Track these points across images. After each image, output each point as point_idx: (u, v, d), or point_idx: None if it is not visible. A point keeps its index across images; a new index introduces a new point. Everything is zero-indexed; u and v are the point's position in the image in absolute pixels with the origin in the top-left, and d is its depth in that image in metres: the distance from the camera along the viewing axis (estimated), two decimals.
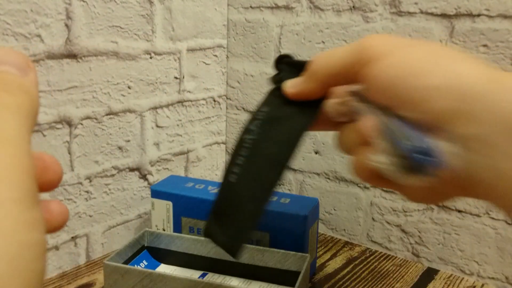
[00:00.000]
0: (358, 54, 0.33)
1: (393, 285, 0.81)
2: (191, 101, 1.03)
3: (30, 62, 0.26)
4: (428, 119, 0.30)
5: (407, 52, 0.32)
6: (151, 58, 0.93)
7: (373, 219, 0.95)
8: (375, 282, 0.82)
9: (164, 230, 0.87)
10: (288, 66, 0.41)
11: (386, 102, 0.32)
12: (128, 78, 0.89)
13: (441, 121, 0.29)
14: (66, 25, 0.78)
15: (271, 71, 1.06)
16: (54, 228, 0.25)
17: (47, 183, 0.25)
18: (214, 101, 1.09)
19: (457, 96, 0.28)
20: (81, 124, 0.83)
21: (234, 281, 0.75)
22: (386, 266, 0.87)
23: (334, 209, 1.00)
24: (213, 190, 0.85)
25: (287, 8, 0.99)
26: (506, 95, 0.27)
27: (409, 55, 0.31)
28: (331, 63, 0.35)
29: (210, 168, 1.12)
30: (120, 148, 0.90)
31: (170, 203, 0.85)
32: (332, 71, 0.35)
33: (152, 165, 0.97)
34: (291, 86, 0.39)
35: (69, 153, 0.82)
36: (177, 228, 0.85)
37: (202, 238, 0.78)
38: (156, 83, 0.95)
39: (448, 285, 0.82)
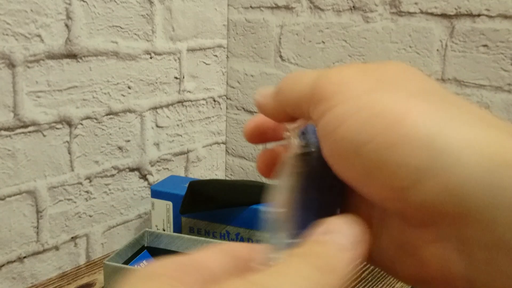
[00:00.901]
0: (313, 87, 0.24)
1: (393, 285, 0.81)
2: (191, 101, 1.03)
3: (365, 234, 0.23)
4: (409, 213, 0.21)
5: (377, 97, 0.22)
6: (151, 58, 0.93)
7: None
8: (375, 282, 0.82)
9: (164, 230, 0.87)
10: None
11: (333, 162, 0.23)
12: (128, 78, 0.89)
13: (428, 219, 0.21)
14: (66, 25, 0.78)
15: (271, 71, 1.06)
16: None
17: None
18: (214, 101, 1.09)
19: (457, 191, 0.19)
20: (81, 124, 0.83)
21: None
22: None
23: None
24: None
25: (287, 8, 0.99)
26: None
27: (379, 101, 0.21)
28: (294, 88, 0.26)
29: (210, 168, 1.12)
30: (120, 148, 0.90)
31: (170, 203, 0.85)
32: (290, 98, 0.26)
33: (152, 165, 0.97)
34: (261, 95, 0.31)
35: (69, 153, 0.82)
36: (177, 228, 0.85)
37: (202, 238, 0.78)
38: (156, 83, 0.95)
39: None
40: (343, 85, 0.23)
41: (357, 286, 0.81)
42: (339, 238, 0.22)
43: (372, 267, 0.87)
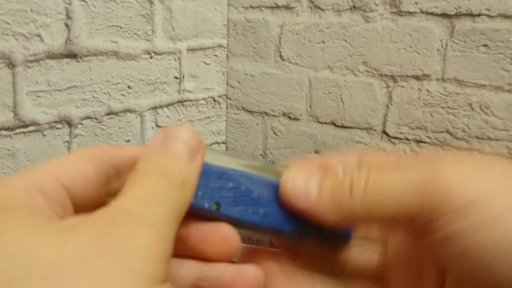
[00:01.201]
0: (425, 194, 0.22)
1: None
2: (191, 101, 1.03)
3: (202, 143, 0.24)
4: None
5: None
6: (151, 58, 0.93)
7: None
8: None
9: None
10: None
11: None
12: (128, 78, 0.89)
13: None
14: (66, 25, 0.78)
15: (271, 71, 1.06)
16: None
17: (223, 254, 0.24)
18: (214, 101, 1.09)
19: None
20: (81, 124, 0.83)
21: None
22: None
23: None
24: None
25: (287, 8, 0.99)
26: None
27: None
28: (388, 202, 0.23)
29: None
30: None
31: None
32: (383, 209, 0.23)
33: None
34: (304, 197, 0.25)
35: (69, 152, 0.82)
36: None
37: None
38: (156, 83, 0.95)
39: None
40: (474, 185, 0.21)
41: None
42: (179, 148, 0.23)
43: None
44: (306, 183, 0.25)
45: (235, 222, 0.25)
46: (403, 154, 0.26)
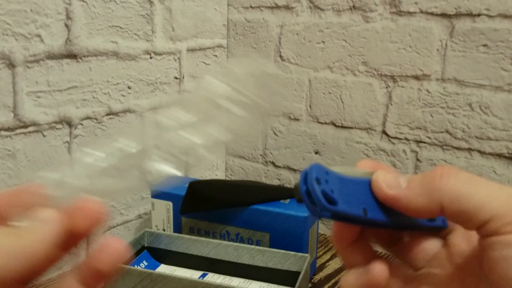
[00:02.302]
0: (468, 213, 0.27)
1: None
2: None
3: (56, 216, 0.27)
4: None
5: None
6: (151, 58, 0.93)
7: None
8: None
9: (164, 230, 0.87)
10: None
11: None
12: (128, 78, 0.89)
13: None
14: (66, 25, 0.78)
15: (271, 71, 1.06)
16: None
17: (88, 226, 0.29)
18: None
19: None
20: (81, 124, 0.83)
21: (234, 281, 0.75)
22: None
23: None
24: None
25: (287, 8, 0.99)
26: None
27: None
28: (475, 195, 0.27)
29: (210, 168, 1.12)
30: None
31: (170, 203, 0.85)
32: (468, 207, 0.27)
33: None
34: (397, 187, 0.29)
35: (69, 153, 0.82)
36: (177, 228, 0.85)
37: (202, 238, 0.78)
38: (156, 83, 0.95)
39: None
40: None
41: None
42: (32, 219, 0.27)
43: None
44: (396, 177, 0.29)
45: (373, 223, 0.29)
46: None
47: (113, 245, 0.29)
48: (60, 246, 0.27)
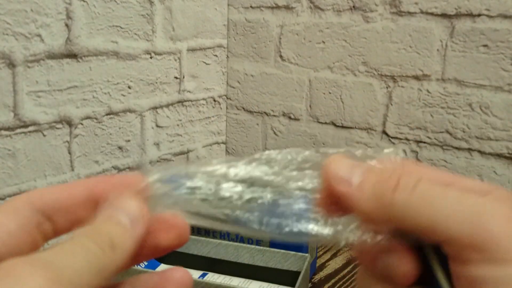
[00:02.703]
0: (471, 230, 0.22)
1: None
2: (191, 101, 1.03)
3: (145, 215, 0.25)
4: None
5: None
6: (151, 58, 0.93)
7: None
8: None
9: None
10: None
11: None
12: (128, 78, 0.89)
13: None
14: (66, 25, 0.78)
15: (271, 71, 1.06)
16: None
17: (173, 244, 0.26)
18: (214, 101, 1.09)
19: None
20: (81, 124, 0.83)
21: (234, 281, 0.75)
22: None
23: None
24: None
25: (287, 8, 0.99)
26: None
27: None
28: (433, 213, 0.24)
29: None
30: (120, 148, 0.90)
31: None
32: (422, 222, 0.24)
33: (152, 165, 0.97)
34: (346, 183, 0.26)
35: (69, 153, 0.82)
36: None
37: (202, 238, 0.78)
38: (156, 83, 0.95)
39: None
40: None
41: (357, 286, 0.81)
42: (121, 215, 0.24)
43: None
44: (349, 170, 0.25)
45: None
46: (454, 175, 0.26)
47: (178, 276, 0.26)
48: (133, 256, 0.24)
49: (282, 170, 0.28)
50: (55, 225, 0.24)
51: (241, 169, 0.27)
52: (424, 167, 0.26)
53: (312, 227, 0.26)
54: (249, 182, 0.27)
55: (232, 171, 0.27)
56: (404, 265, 0.25)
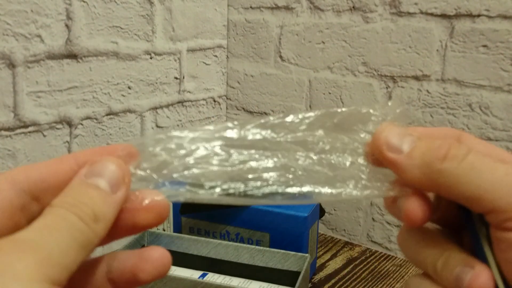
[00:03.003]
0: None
1: (393, 285, 0.81)
2: (191, 101, 1.03)
3: (126, 177, 0.24)
4: None
5: None
6: (151, 58, 0.93)
7: (373, 219, 0.95)
8: (375, 282, 0.82)
9: (164, 230, 0.87)
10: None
11: None
12: (128, 78, 0.89)
13: None
14: (67, 26, 0.78)
15: (271, 72, 1.06)
16: (152, 277, 0.25)
17: (151, 224, 0.25)
18: (214, 101, 1.09)
19: None
20: (81, 124, 0.83)
21: (234, 281, 0.75)
22: (386, 266, 0.87)
23: (334, 209, 1.00)
24: None
25: (287, 8, 0.99)
26: None
27: None
28: (479, 182, 0.24)
29: None
30: None
31: (170, 203, 0.85)
32: (468, 190, 0.24)
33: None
34: (396, 151, 0.26)
35: (69, 153, 0.82)
36: (177, 228, 0.85)
37: (202, 238, 0.78)
38: (156, 83, 0.95)
39: None
40: None
41: (357, 286, 0.81)
42: (101, 182, 0.23)
43: (372, 267, 0.87)
44: (400, 138, 0.26)
45: None
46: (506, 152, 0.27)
47: (157, 255, 0.25)
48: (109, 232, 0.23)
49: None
50: (43, 205, 0.23)
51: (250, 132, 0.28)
52: (479, 140, 0.27)
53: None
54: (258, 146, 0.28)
55: (235, 133, 0.27)
56: (409, 204, 0.26)
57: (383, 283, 0.82)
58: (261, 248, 0.75)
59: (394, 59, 0.88)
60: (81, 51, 0.81)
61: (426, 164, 0.25)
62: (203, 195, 0.27)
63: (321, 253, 0.92)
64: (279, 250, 0.74)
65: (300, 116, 0.29)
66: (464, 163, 0.24)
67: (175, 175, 0.26)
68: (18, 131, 0.75)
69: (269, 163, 0.28)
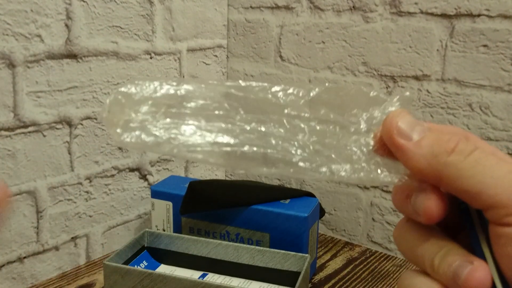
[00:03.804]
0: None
1: (393, 285, 0.81)
2: None
3: (5, 198, 0.25)
4: None
5: None
6: (151, 58, 0.93)
7: (373, 219, 0.95)
8: (375, 282, 0.82)
9: (164, 230, 0.87)
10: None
11: None
12: (128, 78, 0.89)
13: None
14: (66, 25, 0.78)
15: (271, 72, 1.06)
16: None
17: None
18: None
19: None
20: (81, 124, 0.83)
21: (234, 281, 0.75)
22: (386, 266, 0.87)
23: (334, 210, 1.00)
24: None
25: (287, 8, 0.99)
26: None
27: None
28: (482, 179, 0.25)
29: (210, 168, 1.12)
30: (120, 148, 0.90)
31: (170, 204, 0.85)
32: (471, 185, 0.25)
33: (152, 165, 0.97)
34: (407, 138, 0.27)
35: (69, 153, 0.82)
36: (177, 228, 0.85)
37: (202, 239, 0.78)
38: None
39: None
40: None
41: (357, 286, 0.81)
42: None
43: (372, 267, 0.87)
44: (411, 126, 0.27)
45: None
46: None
47: None
48: None
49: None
50: None
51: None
52: (484, 142, 0.28)
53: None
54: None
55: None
56: (428, 201, 0.26)
57: (383, 283, 0.82)
58: (261, 248, 0.75)
59: (394, 59, 0.88)
60: (81, 51, 0.81)
61: (433, 154, 0.25)
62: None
63: (321, 253, 0.92)
64: (279, 251, 0.74)
65: (303, 90, 0.30)
66: (470, 158, 0.25)
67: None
68: (18, 131, 0.75)
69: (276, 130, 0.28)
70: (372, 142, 0.28)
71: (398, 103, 0.28)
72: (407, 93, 0.29)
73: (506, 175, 0.24)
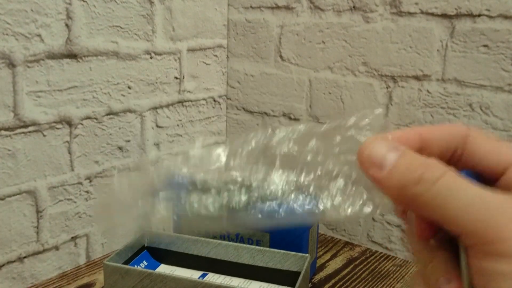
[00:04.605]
0: (485, 230, 0.23)
1: (393, 285, 0.81)
2: (191, 101, 1.03)
3: None
4: None
5: None
6: (151, 58, 0.93)
7: (373, 219, 0.95)
8: (376, 282, 0.82)
9: (164, 230, 0.87)
10: None
11: None
12: (128, 78, 0.89)
13: None
14: (67, 25, 0.78)
15: (271, 71, 1.06)
16: None
17: None
18: (214, 101, 1.09)
19: None
20: (81, 124, 0.83)
21: (234, 281, 0.75)
22: (386, 266, 0.87)
23: None
24: None
25: (288, 8, 0.99)
26: None
27: None
28: (452, 205, 0.25)
29: None
30: (120, 148, 0.90)
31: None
32: (443, 211, 0.25)
33: (152, 165, 0.97)
34: (379, 167, 0.27)
35: (69, 153, 0.82)
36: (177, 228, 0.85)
37: (202, 238, 0.78)
38: (156, 83, 0.95)
39: None
40: None
41: (358, 286, 0.81)
42: None
43: (372, 267, 0.87)
44: (383, 154, 0.26)
45: None
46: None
47: None
48: None
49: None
50: None
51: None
52: (486, 136, 0.28)
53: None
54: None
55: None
56: (412, 225, 0.27)
57: (383, 283, 0.82)
58: (261, 248, 0.75)
59: (395, 59, 0.88)
60: (81, 51, 0.81)
61: (402, 185, 0.25)
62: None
63: (321, 253, 0.92)
64: (279, 250, 0.74)
65: (286, 131, 0.30)
66: (436, 187, 0.24)
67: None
68: (18, 131, 0.75)
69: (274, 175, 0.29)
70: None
71: (368, 127, 0.29)
72: (379, 110, 0.29)
73: (473, 201, 0.24)
